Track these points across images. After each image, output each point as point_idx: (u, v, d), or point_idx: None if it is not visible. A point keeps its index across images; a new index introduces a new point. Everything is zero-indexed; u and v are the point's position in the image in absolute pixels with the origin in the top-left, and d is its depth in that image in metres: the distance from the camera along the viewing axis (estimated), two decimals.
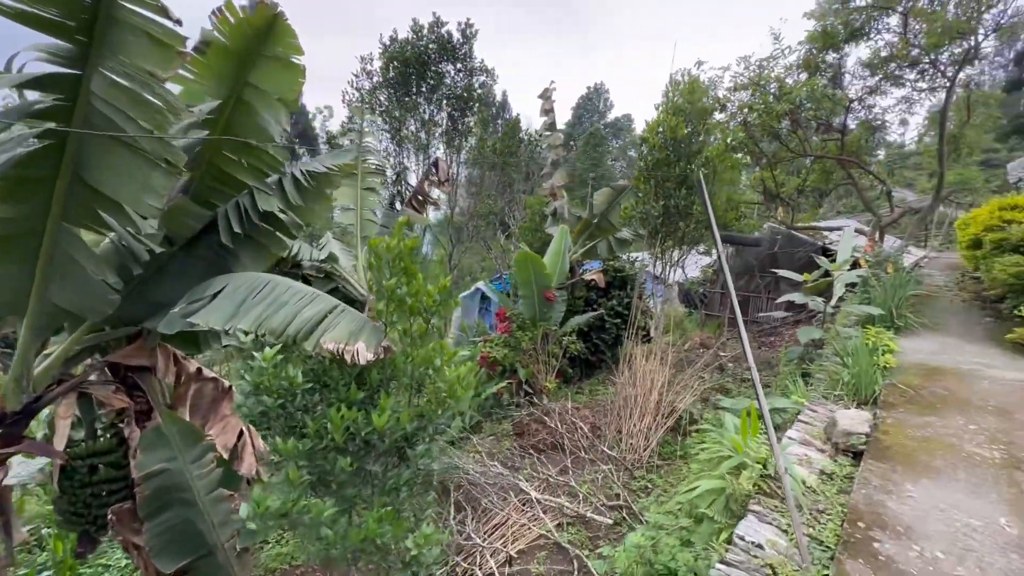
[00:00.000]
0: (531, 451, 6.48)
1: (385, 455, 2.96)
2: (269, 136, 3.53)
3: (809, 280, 5.66)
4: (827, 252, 10.39)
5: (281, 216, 3.72)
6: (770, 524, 2.68)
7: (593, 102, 64.77)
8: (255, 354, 2.51)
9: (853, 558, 2.33)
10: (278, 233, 3.82)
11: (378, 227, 8.22)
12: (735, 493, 2.78)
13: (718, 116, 10.47)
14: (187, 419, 3.70)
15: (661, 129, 6.38)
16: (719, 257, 2.91)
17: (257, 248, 3.80)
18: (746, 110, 9.72)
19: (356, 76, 9.84)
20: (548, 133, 8.73)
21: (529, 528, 4.81)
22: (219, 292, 3.18)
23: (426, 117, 10.20)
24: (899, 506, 2.71)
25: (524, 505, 5.18)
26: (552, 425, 6.49)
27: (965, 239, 11.36)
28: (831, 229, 11.29)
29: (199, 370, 3.96)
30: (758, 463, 3.04)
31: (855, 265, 7.22)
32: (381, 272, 2.76)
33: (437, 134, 10.63)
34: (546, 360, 8.05)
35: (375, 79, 9.78)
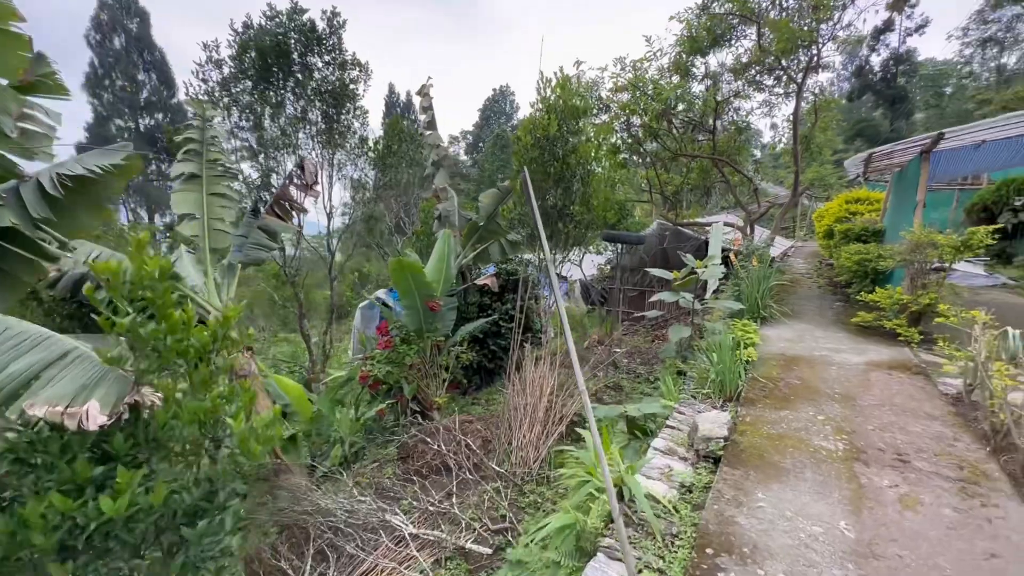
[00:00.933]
0: (416, 476, 5.95)
1: (155, 541, 2.29)
2: None
3: (678, 278, 5.72)
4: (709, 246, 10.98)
5: (25, 231, 2.85)
6: (621, 561, 2.41)
7: (499, 104, 65.42)
8: None
9: None
10: (25, 253, 2.94)
11: (235, 237, 7.21)
12: (585, 529, 2.48)
13: (603, 117, 10.64)
14: None
15: (533, 127, 6.18)
16: (548, 263, 2.61)
17: None
18: (628, 111, 9.94)
19: (200, 66, 8.52)
20: (428, 132, 8.22)
21: (401, 573, 4.29)
22: None
23: (297, 114, 9.18)
24: (748, 520, 2.56)
25: (398, 544, 4.65)
26: (436, 446, 6.01)
27: (821, 229, 12.63)
28: (710, 224, 11.98)
29: None
30: (613, 487, 2.78)
31: (726, 259, 7.55)
32: (121, 307, 2.09)
33: (312, 133, 9.67)
34: (436, 373, 7.55)
35: (226, 69, 8.57)
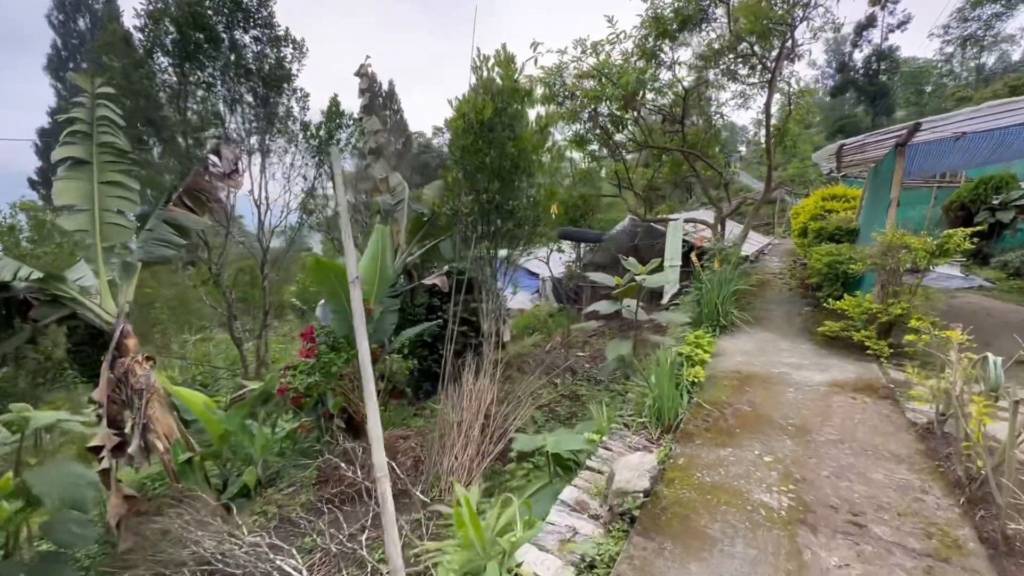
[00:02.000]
0: (330, 505, 5.25)
1: None
2: None
3: (620, 284, 5.06)
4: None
5: None
6: None
7: None
8: None
9: None
10: None
11: (138, 232, 6.40)
12: None
13: (568, 104, 9.93)
14: None
15: (468, 110, 5.45)
16: (347, 261, 1.94)
17: None
18: (592, 98, 9.24)
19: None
20: (365, 116, 7.44)
21: None
22: None
23: (226, 94, 8.29)
24: None
25: None
26: (351, 472, 5.30)
27: (796, 227, 12.13)
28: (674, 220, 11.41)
29: None
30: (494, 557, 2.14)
31: (688, 261, 6.95)
32: None
33: (249, 118, 8.80)
34: None
35: (137, 41, 7.64)
